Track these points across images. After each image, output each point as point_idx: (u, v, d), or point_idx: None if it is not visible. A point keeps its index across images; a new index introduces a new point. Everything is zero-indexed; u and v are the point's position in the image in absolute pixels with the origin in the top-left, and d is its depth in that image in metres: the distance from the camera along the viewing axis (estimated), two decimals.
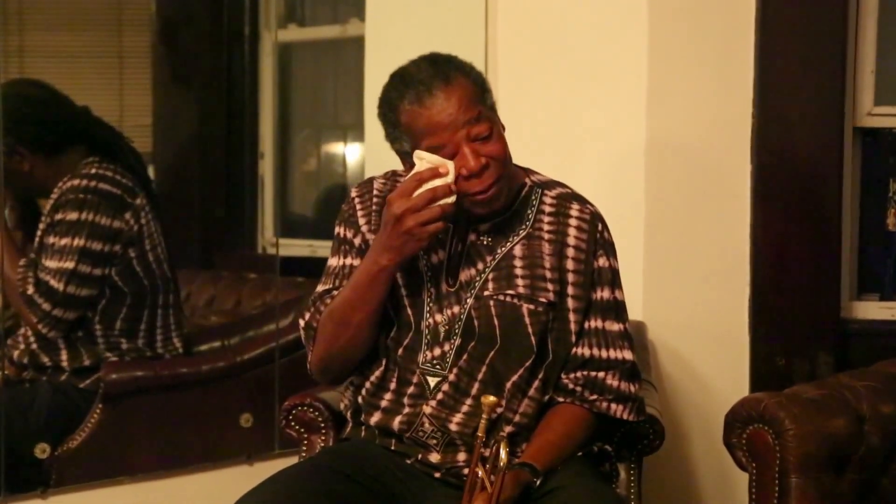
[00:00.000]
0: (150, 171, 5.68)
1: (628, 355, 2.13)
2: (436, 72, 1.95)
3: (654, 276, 2.98)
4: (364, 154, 4.92)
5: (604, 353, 2.10)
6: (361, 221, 2.14)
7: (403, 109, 1.96)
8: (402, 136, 1.99)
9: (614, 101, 2.99)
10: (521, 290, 2.05)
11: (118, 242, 3.13)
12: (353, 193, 2.19)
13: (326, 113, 5.83)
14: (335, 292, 2.12)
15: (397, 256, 1.97)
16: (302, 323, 2.16)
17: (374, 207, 2.14)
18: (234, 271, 5.07)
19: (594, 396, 2.10)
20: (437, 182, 1.94)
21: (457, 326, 2.05)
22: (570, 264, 2.08)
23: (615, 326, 2.12)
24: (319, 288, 2.17)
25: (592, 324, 2.10)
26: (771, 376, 3.01)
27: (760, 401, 2.17)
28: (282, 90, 5.69)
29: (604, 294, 2.11)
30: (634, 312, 2.90)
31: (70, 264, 2.99)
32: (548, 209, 2.11)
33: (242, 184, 5.77)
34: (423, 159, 1.96)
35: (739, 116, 3.03)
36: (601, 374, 2.10)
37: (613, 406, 2.11)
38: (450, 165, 1.94)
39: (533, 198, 2.12)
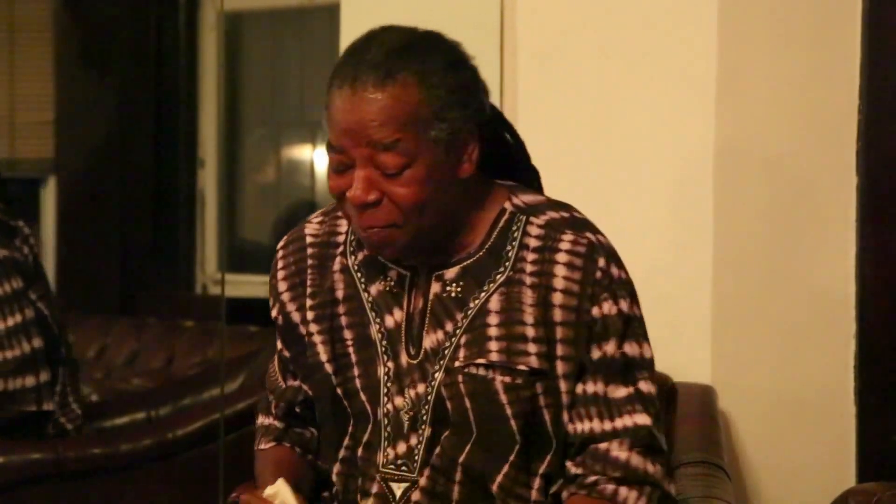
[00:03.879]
0: (52, 184, 5.75)
1: (642, 420, 2.05)
2: (379, 61, 1.96)
3: (725, 327, 2.99)
4: None
5: (608, 425, 2.05)
6: (282, 287, 2.17)
7: (331, 83, 2.00)
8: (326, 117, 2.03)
9: (671, 95, 3.01)
10: (493, 356, 2.02)
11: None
12: (279, 245, 2.22)
13: (289, 105, 5.87)
14: (271, 401, 2.23)
15: None
16: (256, 423, 2.27)
17: (309, 261, 2.15)
18: (165, 318, 5.09)
19: (594, 477, 2.05)
20: None
21: (424, 412, 2.03)
22: (557, 314, 2.03)
23: (621, 392, 2.05)
24: (271, 369, 2.26)
25: (590, 388, 2.05)
26: (885, 460, 3.03)
27: (872, 493, 2.17)
28: (229, 75, 5.73)
29: (607, 349, 2.04)
30: (700, 374, 2.92)
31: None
32: (533, 243, 2.06)
33: (176, 201, 5.80)
34: (280, 492, 2.01)
35: (841, 112, 3.04)
36: (604, 445, 2.04)
37: (623, 492, 2.03)
38: None
39: (514, 229, 2.07)
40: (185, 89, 5.77)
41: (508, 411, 2.01)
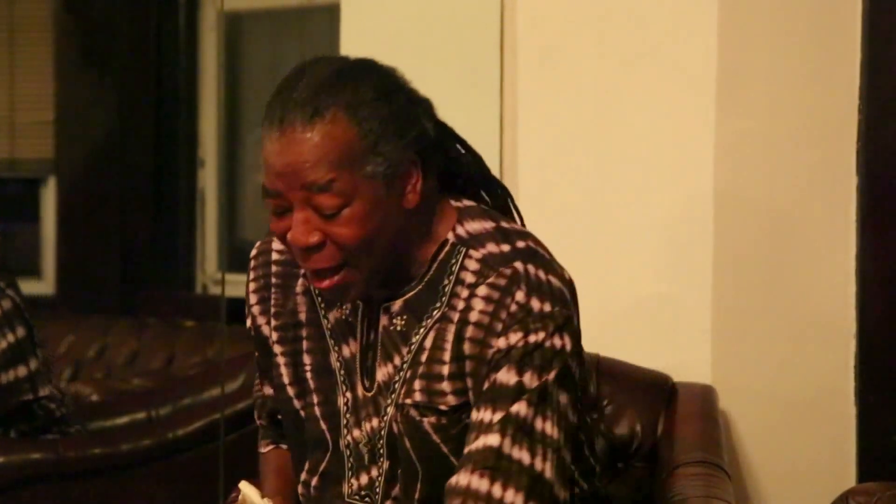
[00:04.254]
0: (52, 184, 5.75)
1: (492, 440, 1.90)
2: (306, 98, 1.88)
3: (725, 327, 2.99)
4: None
5: (466, 451, 1.93)
6: (252, 300, 2.16)
7: (262, 124, 1.92)
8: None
9: (672, 94, 3.00)
10: (417, 396, 1.97)
11: None
12: (251, 254, 2.19)
13: None
14: (260, 423, 2.26)
15: None
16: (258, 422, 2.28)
17: (273, 280, 2.13)
18: (165, 318, 5.09)
19: None
20: None
21: (379, 445, 2.01)
22: (467, 347, 1.95)
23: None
24: (257, 381, 2.25)
25: (477, 416, 1.93)
26: (886, 459, 3.02)
27: (872, 493, 2.17)
28: (229, 75, 5.73)
29: (499, 376, 1.92)
30: (700, 374, 2.92)
31: None
32: (469, 278, 1.97)
33: (176, 201, 5.80)
34: (246, 495, 2.00)
35: (841, 111, 3.04)
36: (454, 478, 1.93)
37: None
38: None
39: (453, 262, 1.99)
40: (185, 89, 5.77)
41: (444, 449, 1.97)
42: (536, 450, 1.90)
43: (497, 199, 2.11)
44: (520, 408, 1.90)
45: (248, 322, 2.17)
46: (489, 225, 2.01)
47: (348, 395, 2.03)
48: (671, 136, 3.01)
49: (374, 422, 2.01)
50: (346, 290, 1.95)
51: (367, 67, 1.95)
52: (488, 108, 3.19)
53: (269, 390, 2.20)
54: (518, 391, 1.90)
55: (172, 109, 5.76)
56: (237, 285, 5.37)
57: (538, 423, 1.91)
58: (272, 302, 2.11)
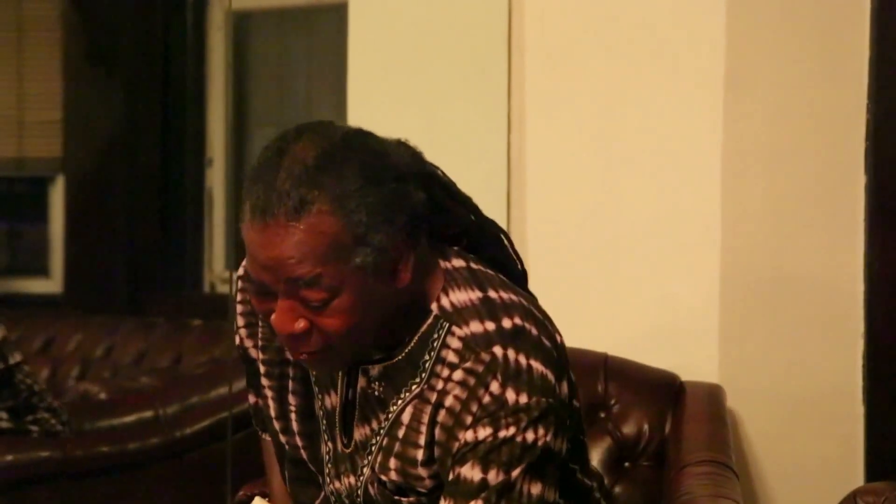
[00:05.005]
0: (60, 183, 5.76)
1: None
2: (289, 189, 1.77)
3: (733, 326, 3.00)
4: None
5: None
6: (240, 322, 2.11)
7: (243, 205, 1.83)
8: None
9: (680, 94, 3.01)
10: (393, 475, 1.92)
11: None
12: (239, 272, 2.10)
13: (296, 104, 5.87)
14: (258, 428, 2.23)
15: None
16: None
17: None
18: (172, 317, 5.10)
19: None
20: None
21: (359, 502, 1.98)
22: (438, 433, 1.87)
23: None
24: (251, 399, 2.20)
25: None
26: (894, 459, 3.02)
27: (880, 493, 2.17)
28: (237, 74, 5.74)
29: (463, 471, 1.84)
30: (708, 373, 2.92)
31: None
32: (450, 357, 1.88)
33: (184, 200, 5.81)
34: None
35: (849, 111, 3.04)
36: None
37: None
38: None
39: (434, 337, 1.90)
40: (193, 88, 5.77)
41: None
42: None
43: (492, 246, 2.04)
44: None
45: (237, 340, 2.12)
46: (475, 296, 1.91)
47: (329, 444, 2.00)
48: (679, 136, 3.02)
49: (352, 479, 1.97)
50: (325, 365, 1.91)
51: (353, 146, 1.83)
52: (496, 108, 3.19)
53: (259, 400, 2.16)
54: (479, 488, 1.82)
55: (180, 108, 5.76)
56: None
57: None
58: (259, 333, 2.07)
